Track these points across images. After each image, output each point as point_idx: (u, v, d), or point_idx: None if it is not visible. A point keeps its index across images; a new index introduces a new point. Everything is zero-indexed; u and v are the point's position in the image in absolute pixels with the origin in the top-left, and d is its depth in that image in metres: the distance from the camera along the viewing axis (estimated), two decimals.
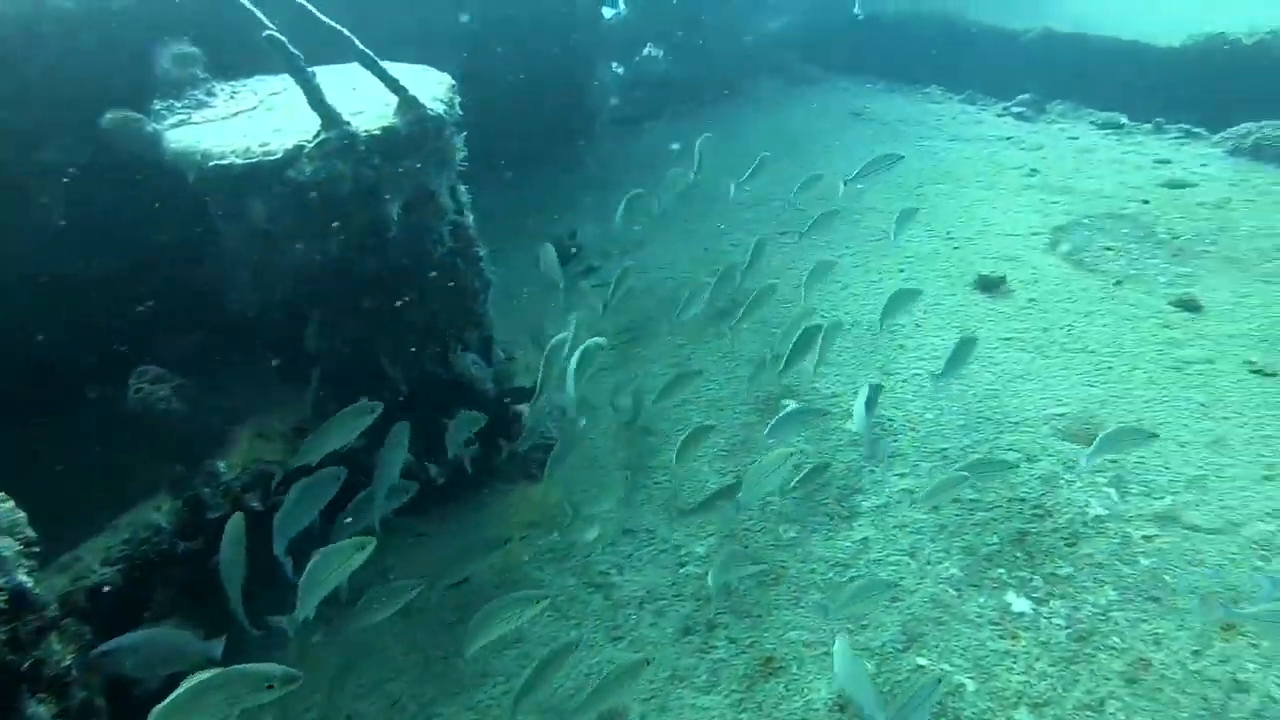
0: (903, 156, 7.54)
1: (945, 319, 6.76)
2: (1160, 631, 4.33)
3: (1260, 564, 4.66)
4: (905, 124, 10.61)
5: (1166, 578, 4.61)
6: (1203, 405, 5.79)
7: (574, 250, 8.24)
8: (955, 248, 7.76)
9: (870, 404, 5.22)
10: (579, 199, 9.51)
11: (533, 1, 9.82)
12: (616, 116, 11.65)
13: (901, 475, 5.36)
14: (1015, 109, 10.78)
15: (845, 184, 6.69)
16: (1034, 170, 9.15)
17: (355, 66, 4.25)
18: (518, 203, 9.35)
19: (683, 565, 4.92)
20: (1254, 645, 4.24)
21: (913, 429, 5.73)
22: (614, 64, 12.82)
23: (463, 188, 5.16)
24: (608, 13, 12.82)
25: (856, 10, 12.51)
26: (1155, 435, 5.01)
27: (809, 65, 12.83)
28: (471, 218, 5.03)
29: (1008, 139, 10.01)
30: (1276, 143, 9.02)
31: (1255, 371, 6.08)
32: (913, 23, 13.90)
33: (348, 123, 3.96)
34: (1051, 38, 13.16)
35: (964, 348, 5.63)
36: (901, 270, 7.44)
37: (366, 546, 3.83)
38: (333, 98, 4.34)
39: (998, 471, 5.13)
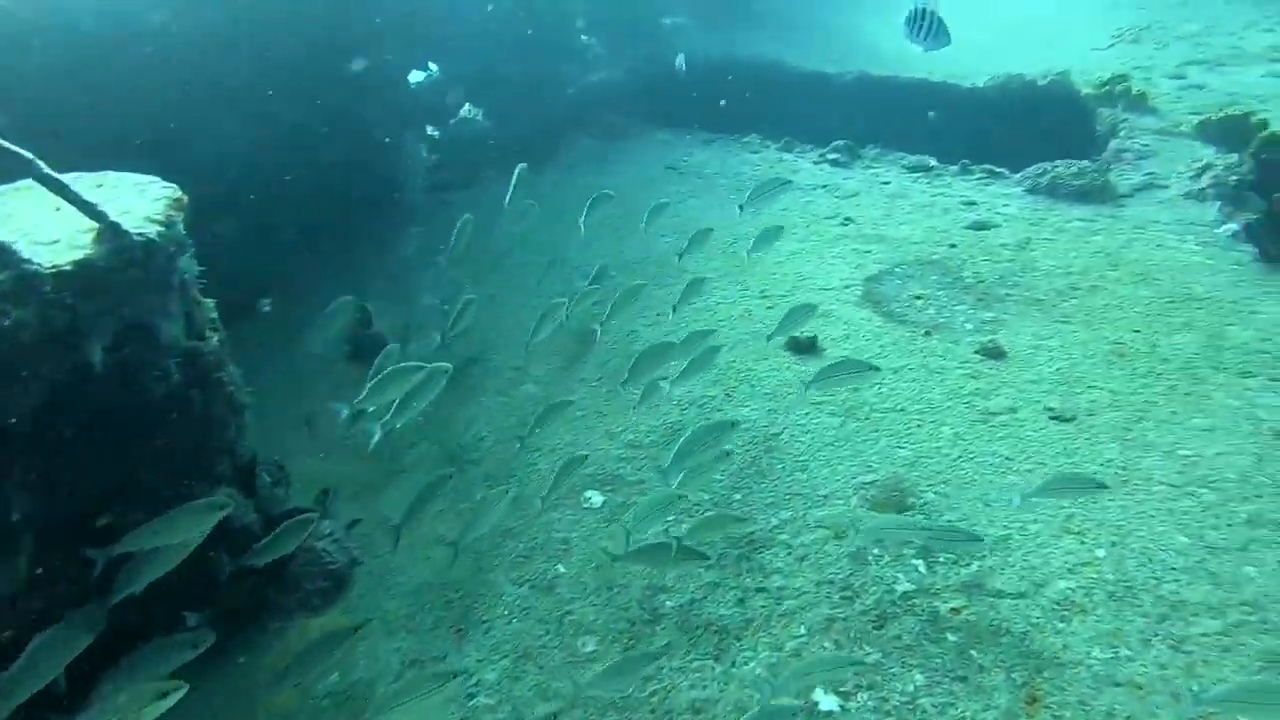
0: (790, 181, 7.67)
1: (756, 387, 6.71)
2: (967, 715, 4.28)
3: (1061, 625, 4.70)
4: (722, 176, 10.72)
5: (973, 653, 4.59)
6: (1007, 459, 5.89)
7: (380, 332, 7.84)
8: (769, 307, 7.77)
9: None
10: (387, 278, 9.15)
11: (327, 78, 9.49)
12: (432, 183, 11.35)
13: (708, 567, 5.19)
14: (830, 155, 11.04)
15: (741, 209, 6.83)
16: (848, 219, 9.34)
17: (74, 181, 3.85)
18: (318, 290, 8.88)
19: (472, 697, 4.59)
20: (1056, 718, 4.24)
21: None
22: (429, 127, 12.57)
23: (209, 303, 4.76)
24: (419, 75, 12.60)
25: (679, 65, 12.62)
26: (1105, 486, 4.98)
27: (630, 118, 12.86)
28: (218, 338, 4.63)
29: (823, 187, 10.22)
30: (1069, 181, 9.50)
31: (1055, 418, 6.25)
32: (733, 70, 14.19)
33: (27, 260, 3.53)
34: (865, 80, 13.68)
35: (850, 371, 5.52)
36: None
37: (171, 693, 3.41)
38: (30, 222, 3.92)
39: (963, 543, 4.93)
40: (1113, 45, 13.77)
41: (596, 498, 5.90)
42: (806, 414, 6.38)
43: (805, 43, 15.48)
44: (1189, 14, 14.80)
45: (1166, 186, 9.49)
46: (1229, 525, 5.25)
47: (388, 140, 10.44)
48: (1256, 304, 7.38)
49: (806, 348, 7.07)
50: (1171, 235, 8.61)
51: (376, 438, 5.08)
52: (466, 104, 13.94)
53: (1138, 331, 7.12)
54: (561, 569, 5.38)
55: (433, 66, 13.25)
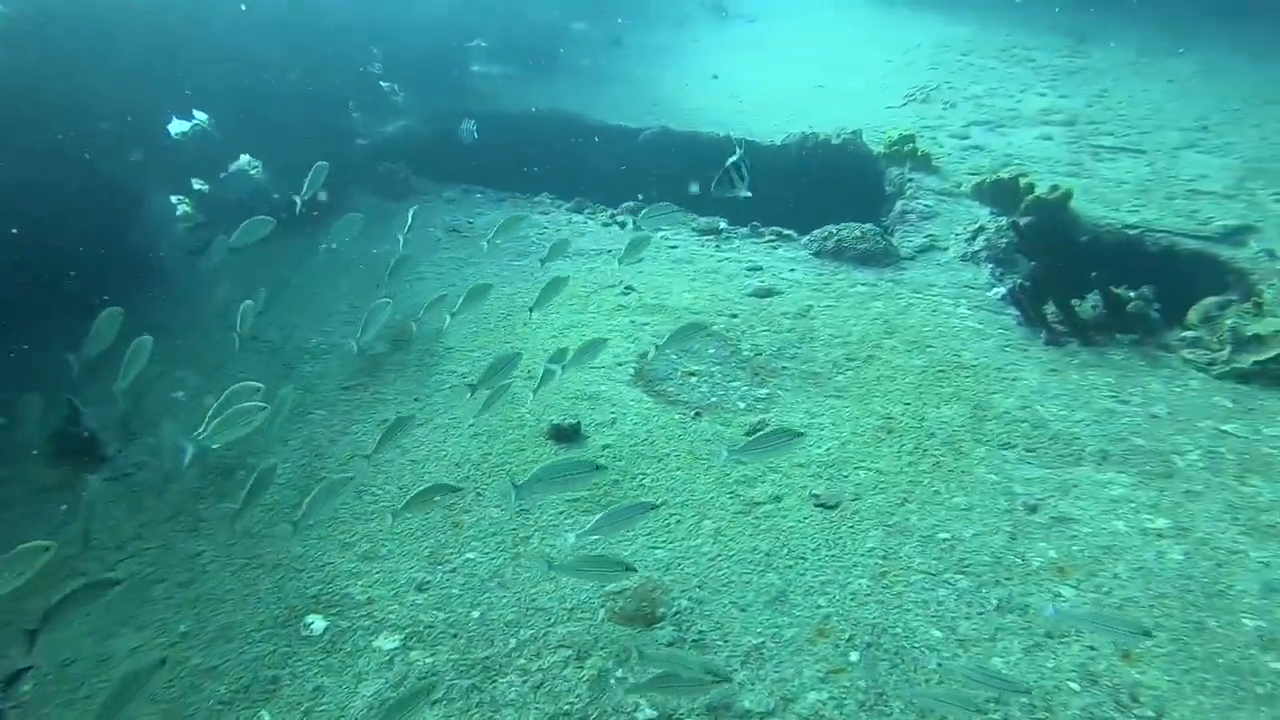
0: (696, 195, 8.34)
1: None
2: None
3: None
4: (506, 239, 10.39)
5: None
6: (767, 555, 5.76)
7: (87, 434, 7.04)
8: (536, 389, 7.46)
9: None
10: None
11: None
12: (189, 246, 10.52)
13: (432, 703, 4.76)
14: (620, 217, 10.93)
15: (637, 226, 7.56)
16: (630, 288, 9.20)
17: None
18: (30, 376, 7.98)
19: None
20: None
21: (454, 635, 5.19)
22: (195, 181, 11.73)
23: None
24: (184, 125, 11.79)
25: (466, 130, 12.31)
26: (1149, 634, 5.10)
27: (419, 175, 12.43)
28: None
29: (608, 252, 10.08)
30: (854, 244, 9.71)
31: (819, 506, 6.19)
32: (531, 126, 14.02)
33: None
34: (667, 135, 13.77)
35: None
36: (472, 423, 7.00)
37: None
38: None
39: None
40: (905, 104, 14.44)
41: (319, 623, 5.38)
42: (561, 512, 6.08)
43: (613, 94, 15.53)
44: (975, 75, 15.77)
45: (945, 249, 9.86)
46: (980, 614, 5.28)
47: (130, 197, 9.60)
48: (1019, 370, 7.66)
49: (569, 435, 6.80)
50: (947, 300, 8.90)
51: (189, 454, 5.32)
52: (245, 156, 13.21)
53: (908, 404, 7.22)
54: (266, 717, 4.82)
55: (200, 115, 12.46)
